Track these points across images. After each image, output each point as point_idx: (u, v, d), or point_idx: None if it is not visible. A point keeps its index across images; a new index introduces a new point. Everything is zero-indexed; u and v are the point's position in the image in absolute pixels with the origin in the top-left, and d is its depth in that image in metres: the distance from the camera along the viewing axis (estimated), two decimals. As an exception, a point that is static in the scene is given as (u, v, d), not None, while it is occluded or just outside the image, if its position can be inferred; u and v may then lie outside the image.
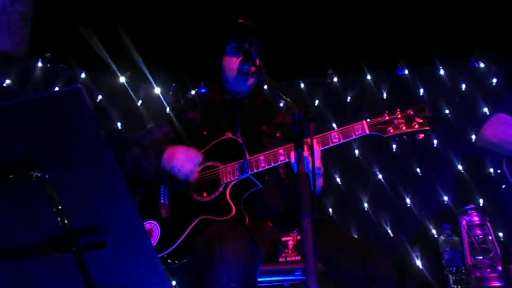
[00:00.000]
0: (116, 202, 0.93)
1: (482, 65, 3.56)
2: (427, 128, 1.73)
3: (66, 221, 0.92)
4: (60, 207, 0.90)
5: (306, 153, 1.56)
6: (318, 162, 1.75)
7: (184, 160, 1.87)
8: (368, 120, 1.77)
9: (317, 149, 1.76)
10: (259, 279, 1.80)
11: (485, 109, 3.44)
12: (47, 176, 0.87)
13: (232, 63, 2.06)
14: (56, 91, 0.80)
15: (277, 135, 2.03)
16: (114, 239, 0.96)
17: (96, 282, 1.00)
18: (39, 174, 0.88)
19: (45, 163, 0.87)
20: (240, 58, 2.02)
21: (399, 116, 1.76)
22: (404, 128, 1.73)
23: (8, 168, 0.87)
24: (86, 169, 0.89)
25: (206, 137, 2.00)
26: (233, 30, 2.05)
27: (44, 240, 0.95)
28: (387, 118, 1.77)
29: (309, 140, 1.35)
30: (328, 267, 1.77)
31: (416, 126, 1.73)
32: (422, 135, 1.75)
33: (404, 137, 1.76)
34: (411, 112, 1.75)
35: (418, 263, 3.08)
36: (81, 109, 0.80)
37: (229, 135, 1.96)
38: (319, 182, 1.83)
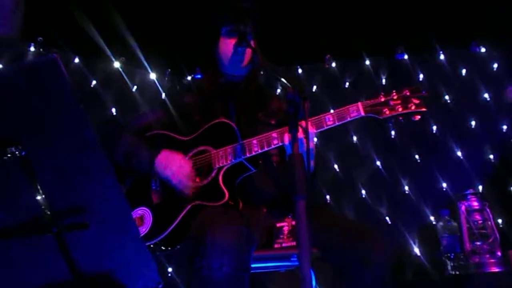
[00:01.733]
0: (98, 182, 0.88)
1: (483, 50, 3.50)
2: (424, 109, 1.69)
3: (46, 201, 0.87)
4: (39, 187, 0.86)
5: (300, 135, 1.54)
6: (312, 143, 1.72)
7: (180, 174, 1.81)
8: (364, 102, 1.73)
9: (312, 131, 1.72)
10: (255, 265, 1.78)
11: (486, 95, 3.39)
12: (23, 154, 0.82)
13: (227, 46, 2.00)
14: (31, 61, 0.75)
15: (272, 122, 2.00)
16: (97, 220, 0.92)
17: (80, 265, 0.96)
18: (15, 152, 0.83)
19: (22, 139, 0.82)
20: (235, 40, 1.98)
21: (395, 97, 1.71)
22: (400, 109, 1.69)
23: (-18, 145, 0.82)
24: (66, 146, 0.84)
25: (198, 122, 1.96)
26: (228, 12, 1.99)
27: (24, 222, 0.90)
28: (382, 99, 1.73)
29: (303, 122, 1.32)
30: (323, 250, 1.74)
31: (413, 107, 1.68)
32: (419, 117, 1.71)
33: (400, 118, 1.72)
34: (407, 93, 1.71)
35: (416, 250, 3.06)
36: (58, 81, 0.75)
37: (222, 119, 1.91)
38: (311, 163, 1.80)
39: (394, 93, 1.72)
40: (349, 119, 1.73)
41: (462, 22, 3.40)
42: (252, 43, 1.88)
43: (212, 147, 1.87)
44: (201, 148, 1.90)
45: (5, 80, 0.76)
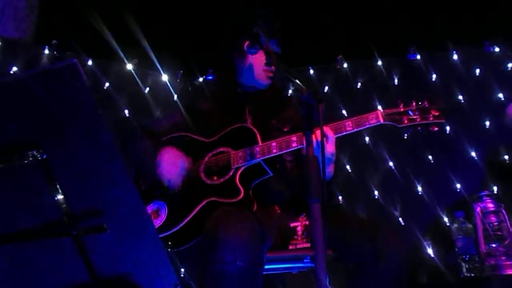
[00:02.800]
0: (116, 185, 0.89)
1: (497, 49, 3.45)
2: (443, 120, 1.74)
3: (65, 204, 0.88)
4: (59, 190, 0.87)
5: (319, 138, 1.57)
6: (332, 148, 1.73)
7: (168, 164, 1.87)
8: (383, 110, 1.77)
9: (332, 135, 1.74)
10: (267, 266, 1.78)
11: (500, 95, 3.35)
12: (44, 157, 0.84)
13: (256, 60, 2.03)
14: (51, 66, 0.76)
15: (285, 129, 2.01)
16: (115, 223, 0.92)
17: (98, 268, 0.97)
18: (36, 155, 0.84)
19: (42, 143, 0.83)
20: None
21: (414, 107, 1.75)
22: (418, 119, 1.73)
23: (3, 149, 0.84)
24: (84, 149, 0.85)
25: (216, 128, 1.99)
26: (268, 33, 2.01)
27: (43, 224, 0.92)
28: (402, 109, 1.76)
29: (324, 127, 1.33)
30: (337, 250, 1.75)
31: (431, 118, 1.73)
32: (437, 128, 1.76)
33: (419, 128, 1.77)
34: (427, 104, 1.75)
35: (430, 251, 3.03)
36: (77, 86, 0.76)
37: (239, 124, 1.95)
38: (330, 168, 1.81)
39: (414, 104, 1.76)
40: (368, 125, 1.76)
41: (476, 22, 3.36)
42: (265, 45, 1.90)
43: (231, 149, 1.90)
44: (221, 149, 1.93)
45: (25, 85, 0.78)
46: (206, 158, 1.93)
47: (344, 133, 1.77)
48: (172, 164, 1.88)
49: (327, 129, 1.74)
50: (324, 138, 1.69)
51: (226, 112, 2.05)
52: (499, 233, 2.26)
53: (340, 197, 3.29)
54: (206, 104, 2.10)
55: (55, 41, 3.26)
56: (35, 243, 0.94)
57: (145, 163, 1.94)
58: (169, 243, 1.79)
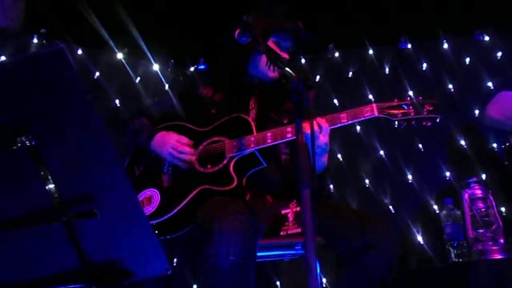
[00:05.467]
0: (106, 170, 0.90)
1: (486, 38, 3.48)
2: (436, 116, 1.78)
3: (55, 190, 0.89)
4: (48, 175, 0.87)
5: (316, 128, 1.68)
6: (326, 138, 1.74)
7: (161, 136, 1.93)
8: (377, 103, 1.80)
9: (327, 126, 1.76)
10: (259, 254, 1.80)
11: (489, 83, 3.38)
12: (33, 143, 0.84)
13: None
14: (38, 51, 0.75)
15: (284, 121, 2.01)
16: (106, 209, 0.93)
17: (88, 254, 0.97)
18: (25, 141, 0.84)
19: (31, 129, 0.83)
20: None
21: (409, 101, 1.79)
22: (412, 113, 1.77)
23: (-8, 135, 0.83)
24: (74, 135, 0.85)
25: (213, 116, 1.99)
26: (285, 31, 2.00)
27: (33, 211, 0.92)
28: (396, 103, 1.80)
29: (314, 120, 1.34)
30: (328, 238, 1.76)
31: (425, 112, 1.77)
32: (430, 123, 1.80)
33: (413, 122, 1.80)
34: (421, 99, 1.79)
35: (420, 238, 3.07)
36: (65, 70, 0.76)
37: (240, 114, 1.96)
38: (324, 159, 1.83)
39: (408, 98, 1.80)
40: (362, 118, 1.80)
41: (465, 10, 3.37)
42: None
43: (226, 138, 1.91)
44: (216, 138, 1.93)
45: (12, 71, 0.77)
46: (201, 147, 1.93)
47: (339, 125, 1.80)
48: (165, 136, 1.93)
49: (321, 120, 1.76)
50: (318, 129, 1.71)
51: (230, 101, 2.04)
52: (486, 218, 2.30)
53: (331, 186, 3.31)
54: (206, 90, 2.10)
55: (43, 30, 3.23)
56: (25, 229, 0.94)
57: (139, 135, 1.98)
58: (161, 230, 1.80)
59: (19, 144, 0.83)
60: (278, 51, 1.76)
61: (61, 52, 0.74)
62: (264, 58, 1.97)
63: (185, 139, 1.93)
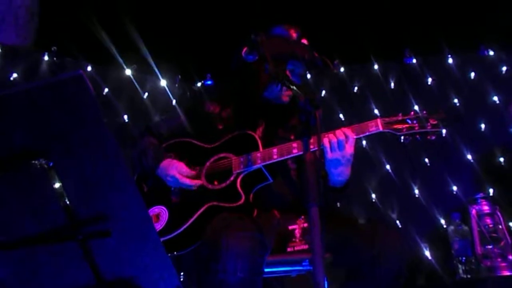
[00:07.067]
0: (120, 190, 0.92)
1: (491, 53, 3.50)
2: (441, 130, 1.78)
3: (71, 210, 0.91)
4: (65, 196, 0.90)
5: (341, 137, 1.69)
6: (351, 150, 1.74)
7: (177, 174, 1.91)
8: (382, 118, 1.81)
9: (353, 136, 1.76)
10: (266, 270, 1.80)
11: (495, 98, 3.39)
12: (51, 165, 0.87)
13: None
14: (58, 78, 0.79)
15: (291, 137, 2.03)
16: (119, 228, 0.95)
17: (103, 271, 0.99)
18: (43, 163, 0.87)
19: (49, 151, 0.86)
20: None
21: (413, 116, 1.80)
22: (417, 128, 1.77)
23: (12, 157, 0.87)
24: (90, 157, 0.88)
25: (220, 132, 2.01)
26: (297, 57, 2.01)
27: (49, 230, 0.94)
28: (401, 117, 1.81)
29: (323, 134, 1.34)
30: (337, 253, 1.76)
31: (429, 127, 1.77)
32: (434, 137, 1.80)
33: (417, 136, 1.80)
34: (426, 113, 1.80)
35: (427, 253, 3.06)
36: (83, 96, 0.79)
37: (247, 131, 1.96)
38: (348, 170, 1.82)
39: (412, 113, 1.80)
40: (367, 133, 1.80)
41: (470, 26, 3.40)
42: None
43: (233, 154, 1.92)
44: (223, 155, 1.95)
45: (33, 97, 0.81)
46: (208, 164, 1.95)
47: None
48: (167, 168, 1.92)
49: (348, 130, 1.76)
50: (344, 139, 1.73)
51: (237, 118, 2.05)
52: (494, 235, 2.30)
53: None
54: (213, 106, 2.10)
55: (54, 47, 3.29)
56: (41, 248, 0.97)
57: (148, 154, 1.98)
58: (169, 247, 1.81)
59: (38, 166, 0.86)
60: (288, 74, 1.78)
61: (81, 79, 0.77)
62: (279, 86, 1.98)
63: (185, 171, 1.92)
